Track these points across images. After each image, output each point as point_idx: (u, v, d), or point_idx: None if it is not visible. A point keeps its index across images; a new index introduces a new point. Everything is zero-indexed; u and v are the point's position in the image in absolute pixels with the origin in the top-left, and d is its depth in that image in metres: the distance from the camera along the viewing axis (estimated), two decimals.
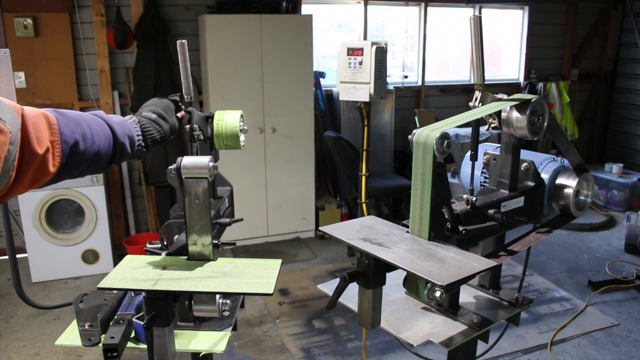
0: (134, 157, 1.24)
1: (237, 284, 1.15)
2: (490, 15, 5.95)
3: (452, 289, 1.27)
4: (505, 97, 1.36)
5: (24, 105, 0.96)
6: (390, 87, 5.03)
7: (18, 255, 1.95)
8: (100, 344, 1.21)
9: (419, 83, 5.64)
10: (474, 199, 1.28)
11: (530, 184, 1.42)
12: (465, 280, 1.03)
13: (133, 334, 1.30)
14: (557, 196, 1.43)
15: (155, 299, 1.15)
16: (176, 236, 1.36)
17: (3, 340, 3.21)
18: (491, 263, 1.09)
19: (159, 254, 1.32)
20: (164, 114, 1.29)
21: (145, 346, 1.26)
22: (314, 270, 4.16)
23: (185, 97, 1.35)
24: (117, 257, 4.09)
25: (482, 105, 1.35)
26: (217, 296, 1.21)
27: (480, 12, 5.72)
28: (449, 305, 1.34)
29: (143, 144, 1.23)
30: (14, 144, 0.88)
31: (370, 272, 1.14)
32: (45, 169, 0.97)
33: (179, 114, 1.36)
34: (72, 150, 1.02)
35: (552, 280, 3.98)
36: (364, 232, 1.22)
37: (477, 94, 1.36)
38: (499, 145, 1.42)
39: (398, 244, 1.15)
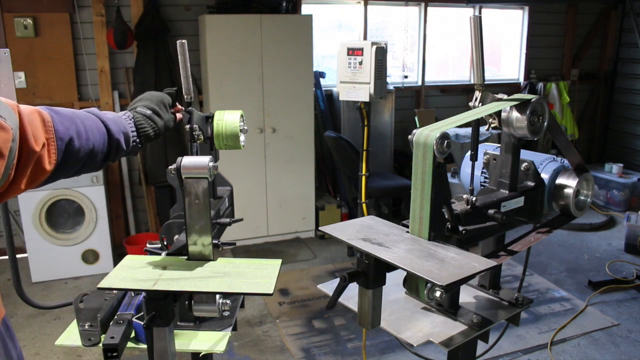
0: (129, 154, 1.23)
1: (237, 284, 1.14)
2: (490, 15, 5.95)
3: (452, 289, 1.27)
4: (505, 97, 1.36)
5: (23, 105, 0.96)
6: (390, 87, 5.03)
7: (18, 255, 1.95)
8: (100, 344, 1.21)
9: (419, 83, 5.64)
10: (474, 199, 1.28)
11: (530, 184, 1.42)
12: (465, 280, 1.03)
13: (133, 334, 1.30)
14: (557, 196, 1.43)
15: (155, 299, 1.15)
16: (176, 236, 1.36)
17: None
18: (491, 263, 1.09)
19: (159, 254, 1.32)
20: (158, 110, 1.27)
21: (145, 346, 1.26)
22: (314, 270, 4.16)
23: (185, 97, 1.35)
24: (117, 257, 4.09)
25: (482, 105, 1.35)
26: (217, 296, 1.21)
27: (480, 12, 5.72)
28: (449, 305, 1.34)
29: (137, 140, 1.22)
30: (15, 141, 0.88)
31: (370, 272, 1.14)
32: (42, 167, 0.96)
33: (175, 109, 1.34)
34: (67, 147, 1.01)
35: (552, 280, 3.98)
36: (364, 232, 1.22)
37: (477, 94, 1.36)
38: (499, 145, 1.42)
39: (398, 244, 1.15)
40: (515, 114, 1.32)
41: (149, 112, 1.25)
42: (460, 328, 1.29)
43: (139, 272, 1.19)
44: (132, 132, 1.20)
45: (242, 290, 1.13)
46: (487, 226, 1.30)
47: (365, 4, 5.20)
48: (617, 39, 6.34)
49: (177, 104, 1.36)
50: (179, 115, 1.36)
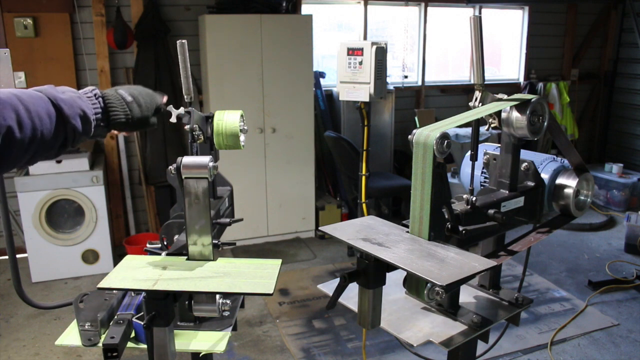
0: (95, 137, 1.12)
1: (237, 284, 1.14)
2: (490, 15, 5.95)
3: (452, 289, 1.27)
4: (505, 97, 1.36)
5: None
6: (390, 87, 5.03)
7: (18, 255, 1.95)
8: (100, 344, 1.21)
9: (419, 83, 5.64)
10: (474, 199, 1.28)
11: (530, 184, 1.42)
12: (465, 280, 1.03)
13: (133, 334, 1.30)
14: (557, 196, 1.43)
15: (155, 299, 1.15)
16: (176, 236, 1.36)
17: (3, 340, 3.20)
18: (491, 263, 1.09)
19: (159, 254, 1.32)
20: (140, 101, 1.18)
21: (145, 346, 1.26)
22: (314, 270, 4.16)
23: (185, 97, 1.35)
24: (117, 257, 4.09)
25: (482, 105, 1.35)
26: (217, 296, 1.21)
27: (480, 12, 5.72)
28: (449, 305, 1.34)
29: (103, 123, 1.11)
30: None
31: (370, 272, 1.14)
32: None
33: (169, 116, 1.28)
34: (5, 139, 0.88)
35: (552, 280, 3.98)
36: (364, 232, 1.22)
37: (477, 94, 1.36)
38: (499, 145, 1.42)
39: (398, 244, 1.15)
40: (515, 114, 1.32)
41: (129, 97, 1.16)
42: (460, 328, 1.29)
43: (139, 272, 1.19)
44: (96, 113, 1.08)
45: (242, 290, 1.13)
46: (487, 226, 1.30)
47: (365, 4, 5.19)
48: (617, 39, 6.34)
49: (165, 107, 1.29)
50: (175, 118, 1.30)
